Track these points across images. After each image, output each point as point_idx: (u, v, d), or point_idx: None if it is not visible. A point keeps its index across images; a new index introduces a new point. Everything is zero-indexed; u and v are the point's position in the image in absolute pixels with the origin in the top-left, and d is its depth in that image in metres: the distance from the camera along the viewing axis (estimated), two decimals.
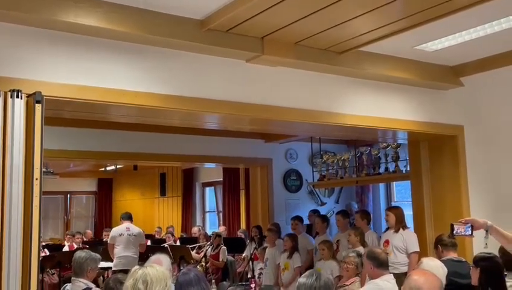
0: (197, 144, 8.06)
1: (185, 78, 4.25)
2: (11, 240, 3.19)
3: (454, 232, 3.27)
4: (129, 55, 4.01)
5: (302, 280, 3.00)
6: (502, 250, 3.70)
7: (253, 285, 5.46)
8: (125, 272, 3.59)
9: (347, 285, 4.17)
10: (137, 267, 2.48)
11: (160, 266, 2.53)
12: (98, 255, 4.32)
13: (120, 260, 7.42)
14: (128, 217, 7.90)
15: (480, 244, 4.71)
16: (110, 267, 7.68)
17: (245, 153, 8.74)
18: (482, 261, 3.49)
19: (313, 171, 9.12)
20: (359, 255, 4.44)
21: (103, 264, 7.56)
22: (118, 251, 7.50)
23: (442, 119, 5.72)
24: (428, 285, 2.36)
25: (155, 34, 3.92)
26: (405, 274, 4.82)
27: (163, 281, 2.42)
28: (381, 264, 3.99)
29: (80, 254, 4.22)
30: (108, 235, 8.32)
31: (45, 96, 3.41)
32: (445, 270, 3.81)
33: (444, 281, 3.72)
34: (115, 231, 7.75)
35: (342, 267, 4.83)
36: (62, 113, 4.43)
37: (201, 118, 4.94)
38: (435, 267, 3.72)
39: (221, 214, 11.91)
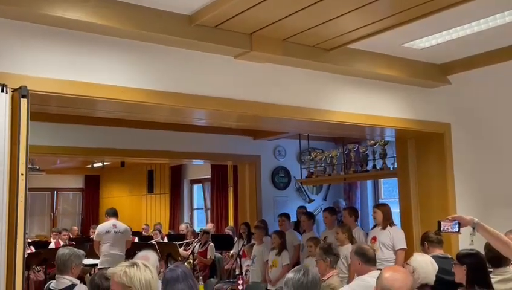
0: (185, 140, 8.03)
1: (172, 73, 4.23)
2: None
3: (441, 229, 3.29)
4: (116, 50, 3.97)
5: (290, 275, 3.00)
6: (488, 246, 3.73)
7: (240, 282, 5.45)
8: None
9: (324, 280, 4.19)
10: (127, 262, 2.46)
11: (147, 262, 2.51)
12: (81, 251, 4.28)
13: (106, 257, 7.32)
14: (114, 213, 7.74)
15: (466, 241, 4.77)
16: (97, 265, 7.62)
17: (233, 150, 8.72)
18: (466, 258, 3.52)
19: (301, 169, 9.14)
20: (323, 248, 4.48)
21: (90, 261, 7.52)
22: (105, 249, 7.38)
23: (429, 117, 5.75)
24: (399, 283, 2.37)
25: (143, 29, 3.89)
26: None
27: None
28: (368, 260, 4.01)
29: (63, 251, 4.18)
30: (95, 232, 8.23)
31: (31, 90, 3.38)
32: (436, 267, 3.84)
33: (433, 277, 3.75)
34: (101, 228, 7.60)
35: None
36: (48, 109, 4.39)
37: (189, 114, 4.92)
38: (424, 261, 3.74)
39: (209, 211, 11.90)
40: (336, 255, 4.35)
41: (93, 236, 8.07)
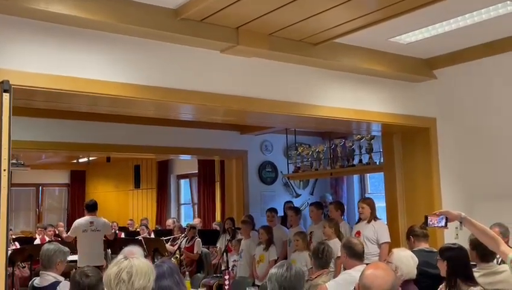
0: (172, 135, 7.99)
1: (158, 68, 4.20)
2: None
3: (428, 224, 3.30)
4: (101, 45, 3.93)
5: (273, 270, 3.00)
6: (473, 243, 3.76)
7: (227, 277, 5.45)
8: None
9: (312, 278, 4.20)
10: (122, 256, 2.42)
11: (144, 259, 2.47)
12: (66, 248, 4.24)
13: (84, 255, 7.19)
14: (92, 207, 7.43)
15: (452, 235, 4.82)
16: None
17: (220, 144, 8.71)
18: (447, 252, 3.54)
19: (288, 163, 9.15)
20: (315, 249, 4.49)
21: (75, 257, 7.44)
22: (82, 247, 7.23)
23: (415, 112, 5.78)
24: (380, 281, 2.37)
25: (128, 22, 3.85)
26: None
27: (147, 276, 2.36)
28: (354, 255, 4.02)
29: (48, 246, 4.14)
30: None
31: (14, 85, 3.35)
32: (416, 260, 3.86)
33: (415, 271, 3.76)
34: (78, 225, 7.33)
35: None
36: (33, 103, 4.35)
37: (175, 109, 4.90)
38: (404, 257, 3.76)
39: (196, 206, 11.88)
40: (324, 260, 4.32)
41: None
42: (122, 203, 14.01)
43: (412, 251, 4.58)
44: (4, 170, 3.18)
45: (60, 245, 4.21)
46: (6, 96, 3.23)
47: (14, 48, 3.56)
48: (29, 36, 3.63)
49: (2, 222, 3.15)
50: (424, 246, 4.64)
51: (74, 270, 7.61)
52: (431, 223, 3.29)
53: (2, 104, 3.22)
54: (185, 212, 12.94)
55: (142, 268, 2.35)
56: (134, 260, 2.36)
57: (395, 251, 3.95)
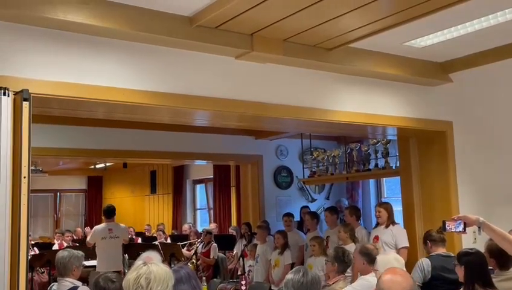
0: (187, 141, 8.03)
1: (173, 74, 4.23)
2: None
3: (446, 229, 3.28)
4: (118, 52, 3.98)
5: (289, 276, 3.00)
6: (491, 251, 3.72)
7: (243, 282, 5.45)
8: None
9: (330, 284, 4.19)
10: (141, 262, 2.44)
11: (163, 265, 2.49)
12: (80, 252, 4.26)
13: (103, 261, 7.23)
14: (111, 213, 7.45)
15: (470, 240, 4.77)
16: None
17: (235, 150, 8.73)
18: (465, 257, 3.51)
19: (303, 168, 9.13)
20: (336, 252, 4.47)
21: (93, 262, 7.51)
22: (101, 253, 7.26)
23: (431, 115, 5.75)
24: (397, 286, 2.37)
25: (144, 30, 3.90)
26: None
27: (165, 282, 2.37)
28: (373, 261, 4.01)
29: (62, 254, 4.15)
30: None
31: (32, 94, 3.39)
32: (401, 261, 3.84)
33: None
34: (97, 232, 7.37)
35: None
36: (51, 111, 4.40)
37: (190, 115, 4.93)
38: (387, 261, 3.74)
39: (212, 211, 11.90)
40: (346, 264, 4.32)
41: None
42: (138, 209, 14.10)
43: (429, 256, 4.58)
44: (24, 177, 3.23)
45: (74, 251, 4.22)
46: (26, 105, 3.29)
47: (32, 57, 3.62)
48: (46, 45, 3.68)
49: (23, 228, 3.19)
50: (441, 250, 4.61)
51: (91, 274, 7.74)
52: (448, 228, 3.26)
53: (21, 113, 3.27)
54: (201, 217, 12.97)
55: (161, 274, 2.37)
56: (152, 266, 2.39)
57: (378, 257, 3.95)
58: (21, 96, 3.31)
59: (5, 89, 3.30)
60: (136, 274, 2.35)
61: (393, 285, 2.36)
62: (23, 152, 3.26)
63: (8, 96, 3.30)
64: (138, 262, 2.45)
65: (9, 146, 3.27)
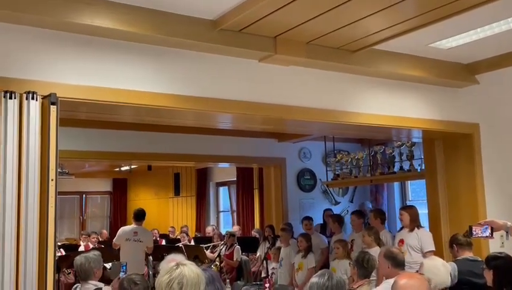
0: (210, 143, 8.07)
1: (197, 78, 4.26)
2: (28, 241, 3.23)
3: (472, 234, 3.23)
4: (142, 56, 4.03)
5: (314, 279, 2.98)
6: None
7: (267, 285, 5.44)
8: None
9: (354, 288, 4.15)
10: (174, 264, 2.46)
11: (195, 266, 2.50)
12: (97, 253, 4.29)
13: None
14: (139, 216, 7.47)
15: (497, 244, 4.68)
16: None
17: (258, 152, 8.74)
18: (494, 261, 3.45)
19: (326, 171, 9.10)
20: (358, 257, 4.43)
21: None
22: (124, 255, 7.24)
23: (457, 117, 5.67)
24: (416, 289, 2.34)
25: (168, 34, 3.94)
26: None
27: (197, 286, 2.38)
28: (398, 264, 3.97)
29: (79, 260, 4.14)
30: None
31: (60, 97, 3.45)
32: (448, 267, 3.77)
33: (448, 279, 3.68)
34: (122, 233, 7.40)
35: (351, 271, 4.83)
36: (77, 114, 4.46)
37: (214, 118, 4.95)
38: (434, 267, 3.68)
39: (235, 214, 11.93)
40: (366, 269, 4.28)
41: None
42: (162, 211, 14.20)
43: (456, 260, 4.51)
44: (52, 180, 3.28)
45: (90, 255, 4.23)
46: (53, 109, 3.34)
47: (59, 62, 3.69)
48: (74, 50, 3.75)
49: (50, 229, 3.25)
50: (468, 254, 4.53)
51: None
52: (475, 233, 3.22)
53: (49, 117, 3.33)
54: (224, 219, 13.01)
55: (193, 278, 2.38)
56: (185, 269, 2.39)
57: (425, 261, 3.88)
58: (49, 100, 3.38)
59: (33, 93, 3.37)
60: (168, 277, 2.36)
61: (412, 289, 2.34)
62: (50, 155, 3.32)
63: (36, 100, 3.37)
64: (170, 264, 2.47)
65: (37, 149, 3.33)
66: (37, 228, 3.28)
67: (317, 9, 3.86)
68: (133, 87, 3.94)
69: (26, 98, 3.34)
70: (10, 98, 3.27)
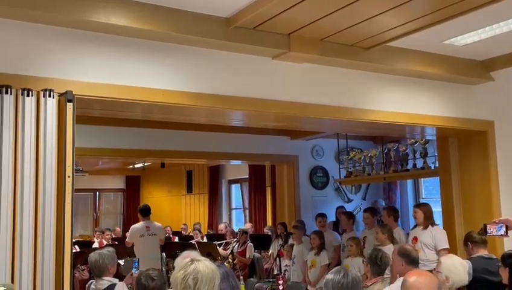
0: (223, 141, 8.09)
1: (211, 75, 4.28)
2: (45, 237, 3.28)
3: (487, 232, 3.22)
4: (156, 54, 4.05)
5: (329, 276, 2.98)
6: None
7: (281, 281, 5.45)
8: None
9: (367, 285, 4.14)
10: (189, 260, 2.48)
11: (209, 262, 2.52)
12: (111, 249, 4.32)
13: (142, 259, 7.28)
14: (147, 212, 7.53)
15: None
16: None
17: (271, 150, 8.74)
18: (509, 259, 3.43)
19: (339, 168, 9.08)
20: (371, 254, 4.42)
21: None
22: (139, 251, 7.26)
23: (471, 115, 5.63)
24: (426, 288, 2.34)
25: (182, 32, 3.96)
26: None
27: (212, 282, 2.40)
28: (412, 262, 3.95)
29: (93, 257, 4.17)
30: None
31: (76, 95, 3.49)
32: (466, 265, 3.75)
33: (466, 277, 3.66)
34: (135, 230, 7.46)
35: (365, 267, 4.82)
36: (92, 112, 4.51)
37: (227, 115, 4.97)
38: (453, 265, 3.67)
39: (247, 211, 11.95)
40: (380, 267, 4.27)
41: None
42: (174, 208, 14.27)
43: (471, 258, 4.48)
44: (68, 177, 3.32)
45: (103, 251, 4.26)
46: (70, 106, 3.38)
47: (75, 59, 3.72)
48: (89, 47, 3.78)
49: (67, 225, 3.29)
50: (483, 252, 4.50)
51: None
52: (490, 231, 3.21)
53: (66, 114, 3.37)
54: (236, 217, 13.04)
55: (208, 274, 2.39)
56: (199, 265, 2.41)
57: (443, 259, 3.86)
58: (65, 97, 3.41)
59: (50, 90, 3.41)
60: (183, 273, 2.38)
61: (422, 286, 2.35)
62: (67, 152, 3.36)
63: (53, 97, 3.41)
64: (185, 260, 2.48)
65: (54, 146, 3.37)
66: (54, 224, 3.32)
67: (331, 6, 3.85)
68: (148, 85, 3.96)
69: (43, 96, 3.38)
70: (28, 95, 3.31)
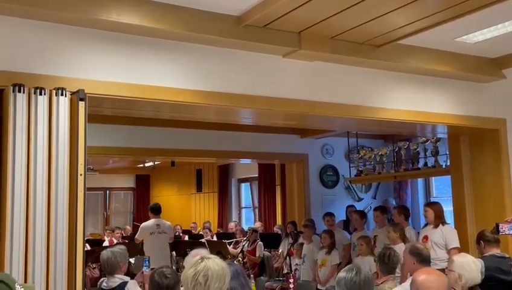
0: (232, 140, 8.09)
1: (222, 74, 4.29)
2: (57, 234, 3.30)
3: (499, 231, 3.20)
4: (168, 53, 4.07)
5: (342, 274, 2.97)
6: None
7: (291, 280, 5.45)
8: None
9: (378, 284, 4.12)
10: (199, 257, 2.48)
11: (219, 260, 2.52)
12: (123, 247, 4.33)
13: (152, 257, 7.31)
14: (157, 210, 7.59)
15: None
16: None
17: (280, 148, 8.73)
18: None
19: (349, 167, 9.05)
20: (380, 253, 4.40)
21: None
22: (149, 249, 7.30)
23: (483, 113, 5.60)
24: (436, 286, 2.34)
25: (193, 31, 3.97)
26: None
27: (222, 279, 2.40)
28: (424, 260, 3.93)
29: (106, 255, 4.15)
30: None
31: (88, 93, 3.51)
32: (479, 264, 3.73)
33: (479, 276, 3.63)
34: (145, 228, 7.49)
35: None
36: (102, 110, 4.53)
37: (237, 114, 4.98)
38: (466, 263, 3.64)
39: (257, 210, 11.95)
40: (390, 266, 4.25)
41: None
42: (184, 207, 14.29)
43: (483, 257, 4.45)
44: (81, 175, 3.35)
45: (115, 249, 4.25)
46: (82, 105, 3.40)
47: (87, 58, 3.75)
48: (101, 46, 3.80)
49: (79, 223, 3.31)
50: (495, 251, 4.47)
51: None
52: (502, 230, 3.19)
53: (78, 112, 3.39)
54: (246, 215, 13.04)
55: (218, 271, 2.39)
56: (209, 263, 2.41)
57: (456, 258, 3.83)
58: (77, 96, 3.43)
59: (62, 89, 3.43)
60: (194, 270, 2.38)
61: (431, 284, 2.34)
62: (79, 150, 3.38)
63: (65, 96, 3.43)
64: (195, 258, 2.48)
65: (66, 144, 3.40)
66: (67, 222, 3.34)
67: (341, 4, 3.85)
68: (158, 83, 3.98)
69: (56, 94, 3.40)
70: (40, 94, 3.34)
